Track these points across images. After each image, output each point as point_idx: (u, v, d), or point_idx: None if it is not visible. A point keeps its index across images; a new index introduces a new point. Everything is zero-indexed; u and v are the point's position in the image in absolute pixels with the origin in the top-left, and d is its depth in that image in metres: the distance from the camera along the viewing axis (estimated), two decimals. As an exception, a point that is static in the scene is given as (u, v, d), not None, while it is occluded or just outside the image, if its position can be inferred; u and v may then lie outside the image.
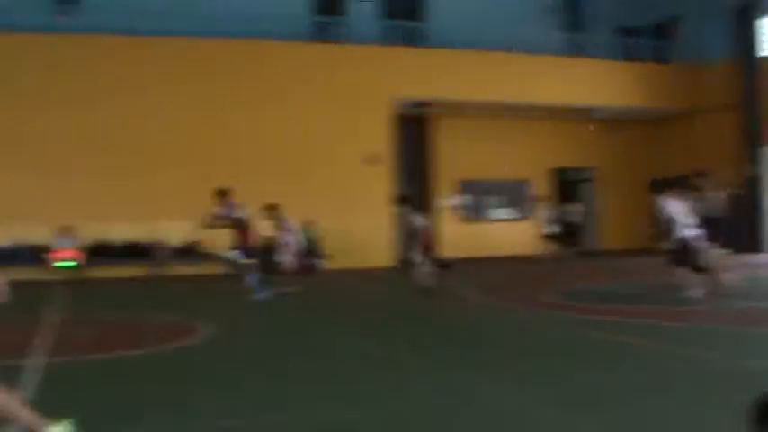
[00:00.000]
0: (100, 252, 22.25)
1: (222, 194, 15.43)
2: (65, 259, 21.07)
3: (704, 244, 13.80)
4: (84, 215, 21.73)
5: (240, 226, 15.40)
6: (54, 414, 6.54)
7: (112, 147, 22.53)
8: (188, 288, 19.25)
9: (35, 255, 21.53)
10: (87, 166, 22.24)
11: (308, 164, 23.91)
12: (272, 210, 17.66)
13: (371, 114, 24.93)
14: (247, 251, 15.45)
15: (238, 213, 15.39)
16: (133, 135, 22.70)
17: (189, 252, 22.89)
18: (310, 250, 23.44)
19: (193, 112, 23.31)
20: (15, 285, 17.82)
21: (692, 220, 13.72)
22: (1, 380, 8.10)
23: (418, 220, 15.43)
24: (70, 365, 9.15)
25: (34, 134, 22.11)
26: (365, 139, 24.84)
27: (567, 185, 29.97)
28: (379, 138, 25.21)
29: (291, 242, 18.32)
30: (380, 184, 24.75)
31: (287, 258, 18.23)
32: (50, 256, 21.15)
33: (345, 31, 26.46)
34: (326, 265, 22.93)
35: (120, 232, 22.47)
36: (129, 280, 21.12)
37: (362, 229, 24.22)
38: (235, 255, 15.49)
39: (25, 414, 5.50)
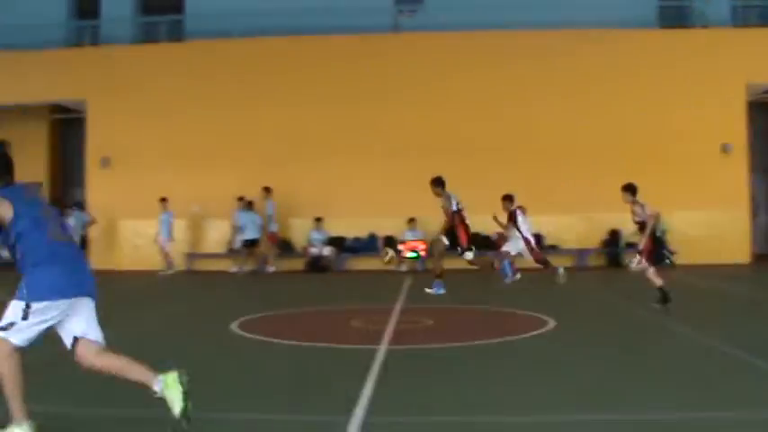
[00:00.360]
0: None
1: (436, 184, 15.20)
2: (411, 250, 22.03)
3: None
4: (433, 207, 22.50)
5: (454, 219, 15.08)
6: (399, 397, 6.81)
7: (462, 138, 23.13)
8: (528, 279, 19.31)
9: (388, 246, 22.71)
10: (436, 159, 22.74)
11: (655, 153, 22.93)
12: (506, 200, 17.12)
13: (725, 101, 23.35)
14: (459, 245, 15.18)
15: (452, 206, 15.06)
16: (474, 128, 23.19)
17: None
18: (656, 244, 22.66)
19: (546, 105, 23.29)
20: (368, 274, 18.76)
21: None
22: (351, 363, 8.60)
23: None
24: (416, 352, 9.45)
25: (385, 127, 23.38)
26: (718, 128, 23.37)
27: None
28: (733, 126, 23.61)
29: (525, 235, 17.24)
30: (735, 174, 23.36)
31: (518, 253, 17.35)
32: (401, 246, 22.22)
33: (692, 15, 25.24)
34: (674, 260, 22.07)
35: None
36: (473, 271, 21.45)
37: (714, 223, 23.04)
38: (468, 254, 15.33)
39: (137, 371, 5.66)
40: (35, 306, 5.45)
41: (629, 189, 13.69)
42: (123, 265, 24.09)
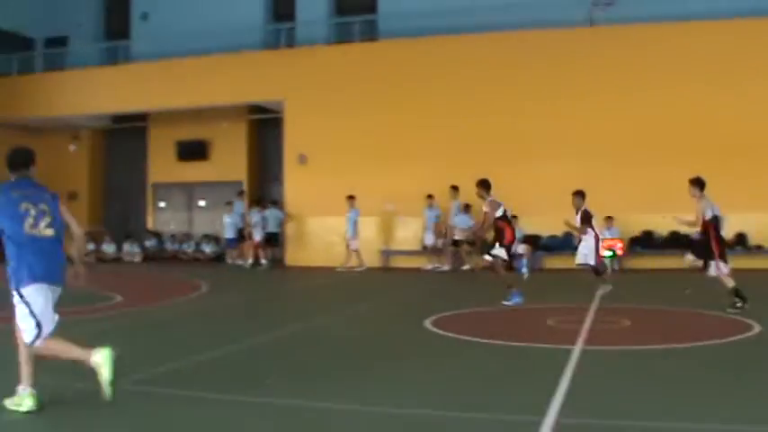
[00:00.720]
0: (643, 242, 22.31)
1: (483, 186, 14.69)
2: (608, 249, 21.43)
3: None
4: (629, 205, 21.95)
5: (498, 223, 14.37)
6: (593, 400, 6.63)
7: (658, 135, 22.26)
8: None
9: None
10: (632, 157, 22.23)
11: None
12: (578, 196, 15.99)
13: None
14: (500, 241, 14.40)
15: (496, 213, 14.38)
16: (673, 125, 22.25)
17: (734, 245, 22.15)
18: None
19: (755, 96, 21.91)
20: (563, 272, 18.23)
21: None
22: (545, 362, 8.48)
23: None
24: (612, 353, 9.25)
25: (581, 125, 22.87)
26: None
27: None
28: None
29: (591, 237, 15.77)
30: None
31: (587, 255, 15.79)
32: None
33: None
34: None
35: (664, 223, 21.96)
36: (671, 271, 20.73)
37: None
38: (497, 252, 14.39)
39: (74, 351, 6.26)
40: (24, 291, 6.09)
41: (698, 183, 13.18)
42: (315, 262, 24.66)
